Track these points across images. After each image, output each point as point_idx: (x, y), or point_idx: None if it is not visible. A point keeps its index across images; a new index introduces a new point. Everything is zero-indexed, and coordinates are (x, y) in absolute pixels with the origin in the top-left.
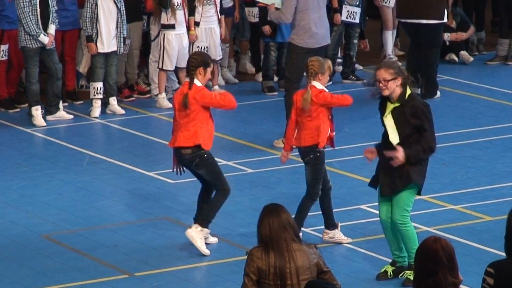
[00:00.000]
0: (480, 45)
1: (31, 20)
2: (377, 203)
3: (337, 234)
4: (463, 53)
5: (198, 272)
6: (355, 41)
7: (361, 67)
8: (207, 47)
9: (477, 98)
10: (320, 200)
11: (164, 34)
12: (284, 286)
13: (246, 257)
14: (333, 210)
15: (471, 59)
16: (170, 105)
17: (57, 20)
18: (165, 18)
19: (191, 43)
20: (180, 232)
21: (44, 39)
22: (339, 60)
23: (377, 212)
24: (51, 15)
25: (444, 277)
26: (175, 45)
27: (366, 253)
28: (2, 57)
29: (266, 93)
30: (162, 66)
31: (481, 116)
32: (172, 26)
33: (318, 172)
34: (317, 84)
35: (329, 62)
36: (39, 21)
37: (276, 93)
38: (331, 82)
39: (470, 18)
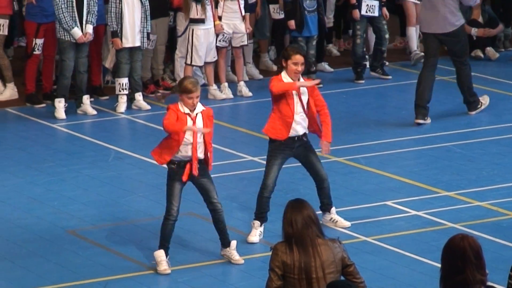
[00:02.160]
0: (506, 41)
1: (63, 13)
2: (403, 199)
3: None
4: (489, 49)
5: (223, 268)
6: (387, 36)
7: (386, 63)
8: (231, 35)
9: (503, 95)
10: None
11: (192, 30)
12: (310, 280)
13: (271, 252)
14: (359, 206)
15: (497, 55)
16: None
17: (94, 19)
18: (195, 13)
19: (217, 34)
20: (206, 227)
21: (76, 33)
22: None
23: (403, 208)
24: (89, 13)
25: (472, 275)
26: (203, 41)
27: (391, 249)
28: (36, 51)
29: None
30: (191, 62)
31: (507, 112)
32: (201, 21)
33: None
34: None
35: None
36: (76, 14)
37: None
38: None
39: (497, 15)
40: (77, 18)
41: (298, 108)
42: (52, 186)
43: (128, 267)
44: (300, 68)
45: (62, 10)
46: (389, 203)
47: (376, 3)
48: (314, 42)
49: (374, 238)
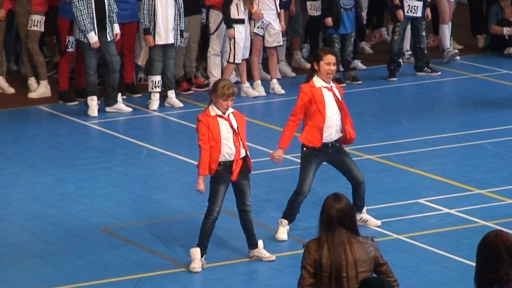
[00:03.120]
0: None
1: (82, 16)
2: (435, 197)
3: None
4: None
5: (256, 266)
6: (423, 34)
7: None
8: (268, 23)
9: None
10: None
11: (234, 28)
12: (340, 279)
13: (303, 250)
14: (391, 204)
15: None
16: None
17: (116, 19)
18: (235, 12)
19: (255, 21)
20: (238, 225)
21: (92, 38)
22: (408, 53)
23: (435, 206)
24: (111, 12)
25: (505, 273)
26: (244, 38)
27: (424, 247)
28: (69, 48)
29: None
30: (234, 60)
31: None
32: (242, 21)
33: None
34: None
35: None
36: (94, 19)
37: (344, 85)
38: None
39: None
40: (95, 20)
41: (329, 110)
42: (84, 183)
43: (160, 265)
44: (333, 67)
45: (80, 12)
46: (421, 201)
47: (420, 4)
48: (352, 40)
49: (406, 236)
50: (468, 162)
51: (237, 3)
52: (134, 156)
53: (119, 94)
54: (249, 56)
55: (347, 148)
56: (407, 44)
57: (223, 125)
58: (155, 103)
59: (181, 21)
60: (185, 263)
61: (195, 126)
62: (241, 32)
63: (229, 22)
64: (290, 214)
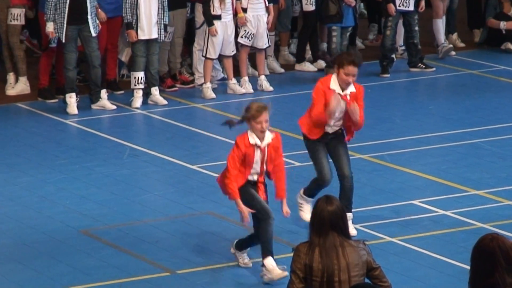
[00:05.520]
0: None
1: (49, 4)
2: (430, 198)
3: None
4: None
5: (243, 270)
6: (416, 28)
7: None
8: (253, 34)
9: None
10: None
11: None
12: (332, 283)
13: (292, 253)
14: (384, 205)
15: None
16: (214, 96)
17: (94, 13)
18: (212, 9)
19: (240, 26)
20: (224, 227)
21: (49, 28)
22: (402, 48)
23: (430, 207)
24: (93, 8)
25: (501, 278)
26: (220, 34)
27: (418, 251)
28: (51, 43)
29: None
30: (206, 54)
31: None
32: (218, 17)
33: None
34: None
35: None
36: (66, 10)
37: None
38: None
39: None
40: (66, 11)
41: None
42: (64, 184)
43: (144, 269)
44: (351, 79)
45: (49, 2)
46: (415, 202)
47: None
48: (348, 34)
49: (399, 238)
50: (464, 162)
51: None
52: (116, 155)
53: (104, 91)
54: (237, 52)
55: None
56: (400, 40)
57: (258, 155)
58: (138, 100)
59: (165, 15)
60: (170, 268)
61: (179, 124)
62: (215, 28)
63: (210, 19)
64: (309, 195)
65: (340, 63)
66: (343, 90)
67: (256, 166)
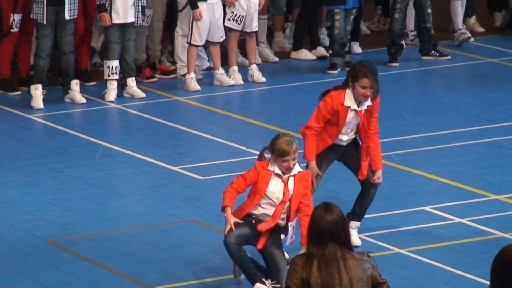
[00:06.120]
0: None
1: None
2: (444, 204)
3: None
4: None
5: (230, 285)
6: (429, 11)
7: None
8: (243, 16)
9: None
10: None
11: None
12: None
13: (288, 267)
14: (392, 212)
15: None
16: (199, 88)
17: None
18: None
19: (228, 7)
20: (210, 236)
21: None
22: (412, 34)
23: (444, 214)
24: None
25: None
26: (206, 17)
27: (430, 263)
28: (13, 28)
29: (327, 71)
30: (191, 41)
31: None
32: None
33: None
34: None
35: None
36: None
37: (335, 72)
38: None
39: None
40: None
41: (346, 129)
42: (28, 188)
43: (119, 284)
44: (368, 92)
45: None
46: (427, 208)
47: None
48: (352, 18)
49: (409, 249)
50: (483, 163)
51: None
52: (87, 155)
53: (75, 81)
54: (226, 38)
55: None
56: (410, 24)
57: (275, 187)
58: (112, 92)
59: None
60: (148, 283)
61: (159, 120)
62: (201, 10)
63: (194, 1)
64: None
65: (354, 76)
66: (358, 105)
67: (268, 207)
